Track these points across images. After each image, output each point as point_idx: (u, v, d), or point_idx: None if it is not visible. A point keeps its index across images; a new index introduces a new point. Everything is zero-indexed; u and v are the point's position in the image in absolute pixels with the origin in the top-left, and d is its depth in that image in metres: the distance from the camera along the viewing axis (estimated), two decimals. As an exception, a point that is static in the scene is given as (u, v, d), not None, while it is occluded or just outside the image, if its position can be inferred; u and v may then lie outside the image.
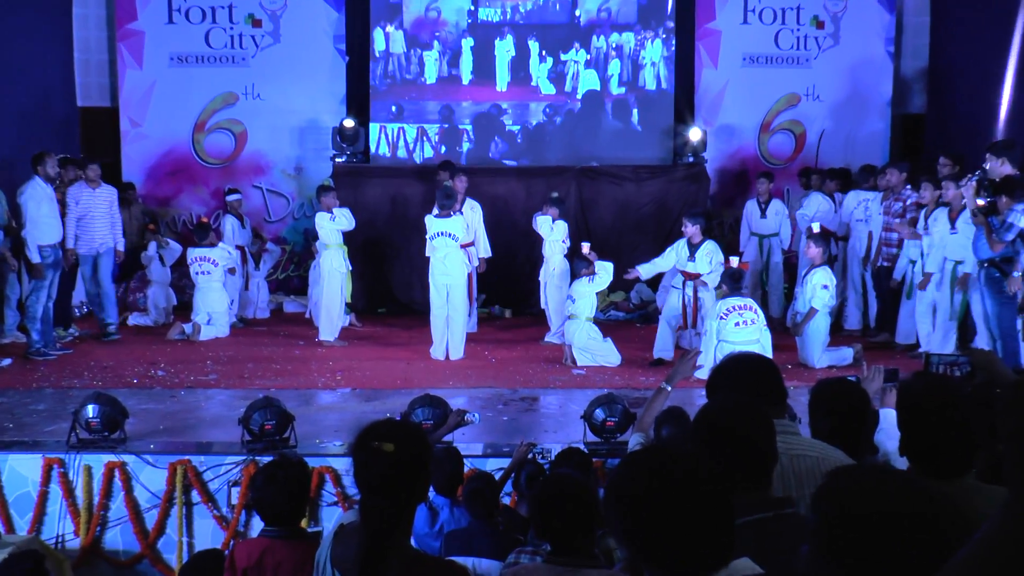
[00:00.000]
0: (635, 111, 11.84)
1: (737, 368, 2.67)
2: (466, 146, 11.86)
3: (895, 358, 8.51)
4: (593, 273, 8.58)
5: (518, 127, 11.87)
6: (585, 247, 8.91)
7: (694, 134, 11.21)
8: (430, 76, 11.71)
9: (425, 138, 11.83)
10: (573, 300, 8.64)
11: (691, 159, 11.36)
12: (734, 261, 8.44)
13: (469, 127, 11.81)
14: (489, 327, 10.40)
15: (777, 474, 2.34)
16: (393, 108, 11.71)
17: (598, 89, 11.83)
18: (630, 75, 11.76)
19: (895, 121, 11.98)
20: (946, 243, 8.05)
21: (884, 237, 9.17)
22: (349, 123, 11.09)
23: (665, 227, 11.30)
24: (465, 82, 11.71)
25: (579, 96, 11.83)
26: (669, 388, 3.63)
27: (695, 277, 8.66)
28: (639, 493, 1.65)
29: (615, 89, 11.84)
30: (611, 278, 8.69)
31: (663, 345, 8.66)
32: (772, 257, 10.52)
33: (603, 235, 11.17)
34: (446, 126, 11.77)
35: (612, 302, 11.20)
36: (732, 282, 7.87)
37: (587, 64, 11.76)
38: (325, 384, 7.80)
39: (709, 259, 8.58)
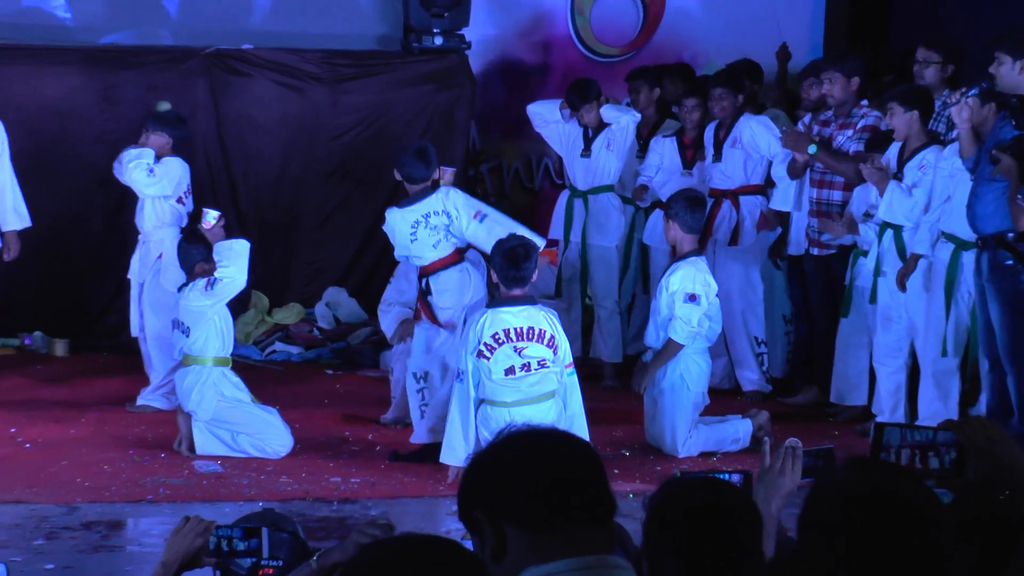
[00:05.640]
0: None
1: (512, 463, 2.85)
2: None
3: (833, 435, 9.08)
4: (212, 274, 8.84)
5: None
6: (212, 218, 9.15)
7: None
8: None
9: None
10: (185, 329, 8.88)
11: (439, 41, 11.79)
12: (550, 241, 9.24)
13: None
14: (20, 376, 10.80)
15: None
16: None
17: None
18: None
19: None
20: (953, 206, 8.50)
21: (816, 199, 9.62)
22: None
23: (389, 179, 11.39)
24: None
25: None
26: None
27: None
28: None
29: None
30: (244, 278, 8.92)
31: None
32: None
33: (263, 190, 11.69)
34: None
35: (278, 327, 11.70)
36: (508, 266, 7.95)
37: None
38: None
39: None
